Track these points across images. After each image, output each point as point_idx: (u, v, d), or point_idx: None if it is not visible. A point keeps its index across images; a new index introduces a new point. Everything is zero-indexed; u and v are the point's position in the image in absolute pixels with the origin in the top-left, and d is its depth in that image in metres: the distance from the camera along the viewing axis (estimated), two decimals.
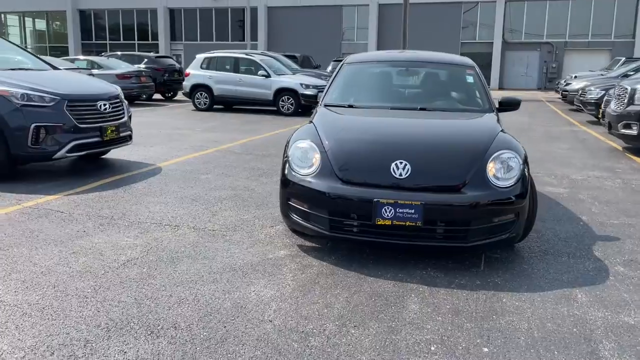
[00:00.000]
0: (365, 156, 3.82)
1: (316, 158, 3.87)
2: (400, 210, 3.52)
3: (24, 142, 5.75)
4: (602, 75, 17.61)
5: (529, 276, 3.63)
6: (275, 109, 15.12)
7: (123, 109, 6.80)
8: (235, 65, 15.68)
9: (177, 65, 20.28)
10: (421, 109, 4.62)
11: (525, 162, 3.90)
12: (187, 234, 4.31)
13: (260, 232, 4.40)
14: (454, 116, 4.55)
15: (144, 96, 18.53)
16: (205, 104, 15.70)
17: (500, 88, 33.76)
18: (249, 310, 3.01)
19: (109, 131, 6.41)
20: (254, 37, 36.94)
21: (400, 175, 3.64)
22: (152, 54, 21.29)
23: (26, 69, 6.73)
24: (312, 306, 3.09)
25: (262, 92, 14.94)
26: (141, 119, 13.17)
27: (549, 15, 33.19)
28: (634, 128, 8.33)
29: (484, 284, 3.48)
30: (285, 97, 14.70)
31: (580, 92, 14.77)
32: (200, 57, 16.11)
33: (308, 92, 5.19)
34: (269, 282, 3.40)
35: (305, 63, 22.69)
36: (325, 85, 5.23)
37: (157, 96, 20.63)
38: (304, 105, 13.76)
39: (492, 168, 3.71)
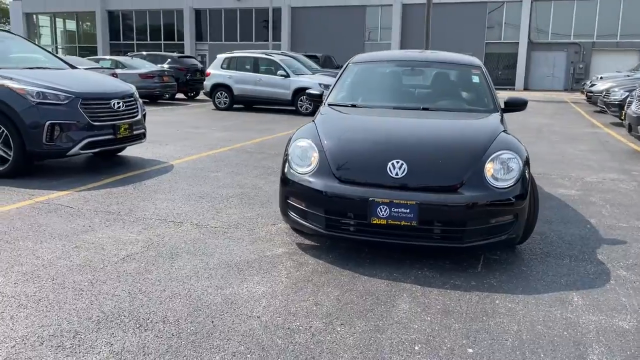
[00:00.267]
0: (363, 155, 3.82)
1: (314, 157, 3.89)
2: (395, 210, 3.51)
3: (39, 139, 5.89)
4: (628, 76, 17.23)
5: (526, 278, 3.59)
6: (294, 108, 15.18)
7: (137, 107, 6.92)
8: (255, 65, 15.79)
9: (200, 65, 20.52)
10: (424, 109, 4.59)
11: (527, 163, 3.85)
12: (189, 231, 4.37)
13: (262, 230, 4.44)
14: (456, 116, 4.52)
15: (167, 95, 18.79)
16: (225, 103, 15.85)
17: (525, 89, 33.29)
18: (239, 306, 3.04)
19: (122, 129, 6.53)
20: (278, 37, 37.12)
21: (397, 174, 3.63)
22: (175, 54, 21.57)
23: (44, 68, 6.89)
24: (301, 303, 3.10)
25: (281, 92, 15.01)
26: (161, 117, 13.38)
27: (577, 15, 32.59)
28: None
29: (479, 285, 3.45)
30: (304, 96, 14.74)
31: (604, 93, 14.48)
32: (221, 57, 16.27)
33: (313, 91, 5.20)
34: (263, 279, 3.43)
35: (327, 63, 22.74)
36: None
37: (180, 95, 20.93)
38: None
39: (490, 168, 3.68)
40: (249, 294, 3.21)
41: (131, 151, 7.89)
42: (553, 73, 33.89)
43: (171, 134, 10.25)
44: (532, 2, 32.77)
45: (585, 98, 20.34)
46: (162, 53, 21.69)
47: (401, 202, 3.50)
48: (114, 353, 2.53)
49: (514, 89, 33.15)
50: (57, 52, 43.42)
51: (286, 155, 4.09)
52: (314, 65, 17.79)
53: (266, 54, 16.27)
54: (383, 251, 3.96)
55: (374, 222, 3.56)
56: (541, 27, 33.48)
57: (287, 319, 2.91)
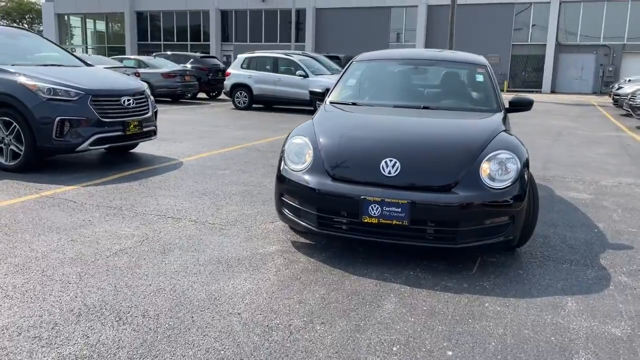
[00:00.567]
0: (356, 153, 3.77)
1: (309, 154, 3.86)
2: (387, 209, 3.46)
3: (49, 134, 5.99)
4: None
5: (521, 282, 3.49)
6: (312, 108, 15.15)
7: (147, 104, 6.98)
8: (275, 65, 15.83)
9: (222, 65, 20.66)
10: (425, 108, 4.52)
11: (526, 164, 3.75)
12: (187, 227, 4.37)
13: (258, 228, 4.42)
14: (456, 115, 4.42)
15: (189, 95, 18.96)
16: (244, 103, 15.93)
17: (553, 92, 32.69)
18: (221, 303, 3.02)
19: (132, 126, 6.59)
20: (302, 38, 37.19)
21: (390, 173, 3.57)
22: (197, 54, 21.77)
23: (58, 65, 7.00)
24: (285, 301, 3.07)
25: (300, 92, 15.01)
26: (180, 116, 13.51)
27: (607, 17, 31.86)
28: None
29: (471, 287, 3.37)
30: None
31: (630, 96, 14.11)
32: (241, 57, 16.36)
33: (316, 89, 5.17)
34: (250, 276, 3.41)
35: None
36: None
37: (202, 95, 21.11)
38: None
39: (486, 168, 3.59)
40: (234, 290, 3.19)
41: (144, 148, 7.97)
42: (581, 76, 33.19)
43: (187, 132, 10.33)
44: (560, 3, 32.16)
45: (612, 101, 19.86)
46: (185, 53, 21.92)
47: (393, 201, 3.44)
48: (89, 345, 2.53)
49: (540, 92, 32.59)
50: (87, 52, 44.34)
51: (282, 152, 4.06)
52: (334, 66, 17.75)
53: (286, 54, 16.30)
54: (378, 251, 3.91)
55: (366, 220, 3.51)
56: (570, 28, 32.83)
57: (268, 316, 2.88)
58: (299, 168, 3.84)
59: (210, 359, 2.46)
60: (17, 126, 6.04)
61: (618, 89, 18.10)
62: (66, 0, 44.36)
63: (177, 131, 10.33)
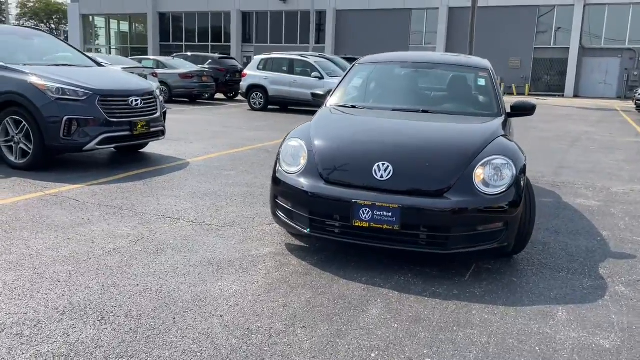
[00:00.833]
0: (349, 157, 3.74)
1: (304, 157, 3.85)
2: (377, 213, 3.42)
3: (57, 133, 6.07)
4: None
5: (513, 289, 3.42)
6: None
7: (156, 105, 7.04)
8: (291, 67, 15.86)
9: (239, 66, 20.77)
10: (424, 111, 4.47)
11: (523, 170, 3.68)
12: (183, 227, 4.39)
13: (255, 229, 4.42)
14: (455, 119, 4.36)
15: (206, 95, 19.11)
16: (260, 104, 15.99)
17: (575, 96, 32.16)
18: (205, 304, 3.02)
19: (139, 126, 6.65)
20: (322, 40, 37.22)
21: (382, 177, 3.54)
22: (216, 55, 21.92)
23: (69, 65, 7.10)
24: (269, 304, 3.06)
25: None
26: (195, 116, 13.61)
27: (632, 20, 31.22)
28: None
29: (461, 294, 3.31)
30: None
31: None
32: (258, 58, 16.43)
33: (318, 91, 5.15)
34: (239, 278, 3.41)
35: None
36: None
37: (219, 96, 21.27)
38: None
39: (480, 174, 3.53)
40: (220, 292, 3.19)
41: (154, 148, 8.04)
42: (605, 80, 32.58)
43: (199, 132, 10.40)
44: (584, 6, 31.64)
45: (635, 106, 19.46)
46: (204, 54, 22.08)
47: (384, 205, 3.41)
48: (68, 344, 2.55)
49: (563, 96, 32.10)
50: (110, 52, 45.01)
51: (278, 154, 4.06)
52: None
53: (302, 55, 16.32)
54: (372, 255, 3.87)
55: (357, 224, 3.48)
56: (594, 31, 32.27)
57: (250, 319, 2.87)
58: (294, 170, 3.83)
59: None
60: (27, 125, 6.14)
61: None
62: (91, 1, 45.08)
63: (189, 131, 10.41)
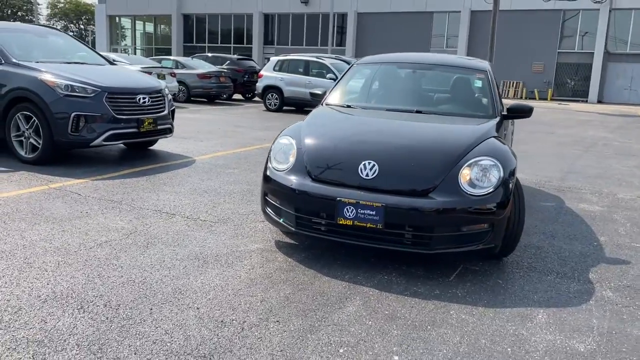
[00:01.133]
0: (336, 155, 3.76)
1: (293, 154, 3.88)
2: (361, 211, 3.43)
3: (65, 129, 6.21)
4: None
5: (497, 291, 3.40)
6: None
7: (164, 103, 7.15)
8: (306, 68, 15.93)
9: (257, 67, 20.90)
10: (418, 112, 4.46)
11: (512, 172, 3.65)
12: (177, 222, 4.46)
13: (247, 226, 4.46)
14: (447, 120, 4.34)
15: (224, 95, 19.29)
16: (275, 104, 16.08)
17: (599, 102, 31.60)
18: (184, 297, 3.07)
19: (146, 123, 6.76)
20: (342, 42, 37.24)
21: (367, 175, 3.55)
22: (234, 56, 22.11)
23: (81, 63, 7.25)
24: (248, 298, 3.09)
25: None
26: (210, 116, 13.75)
27: None
28: None
29: (442, 294, 3.30)
30: None
31: None
32: (274, 59, 16.54)
33: (316, 91, 5.18)
34: (222, 273, 3.45)
35: None
36: None
37: (237, 96, 21.45)
38: None
39: (467, 174, 3.52)
40: (201, 286, 3.23)
41: (163, 145, 8.15)
42: (631, 86, 31.93)
43: (211, 131, 10.51)
44: (610, 11, 31.07)
45: None
46: (223, 55, 22.28)
47: (367, 203, 3.42)
48: (44, 330, 2.62)
49: (586, 102, 31.56)
50: (135, 53, 45.70)
51: (269, 152, 4.10)
52: None
53: (317, 57, 16.37)
54: (359, 254, 3.88)
55: (341, 222, 3.49)
56: (620, 36, 31.67)
57: (225, 312, 2.91)
58: (283, 168, 3.87)
59: (155, 350, 2.51)
60: (36, 120, 6.29)
61: None
62: (117, 2, 45.81)
63: (201, 130, 10.52)
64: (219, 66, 19.38)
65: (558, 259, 4.05)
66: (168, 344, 2.56)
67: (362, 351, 2.59)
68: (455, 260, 3.87)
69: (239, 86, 19.77)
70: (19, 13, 66.86)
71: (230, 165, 7.05)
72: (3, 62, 6.57)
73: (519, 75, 33.45)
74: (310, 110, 4.82)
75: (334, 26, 34.34)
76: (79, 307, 2.88)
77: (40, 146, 6.34)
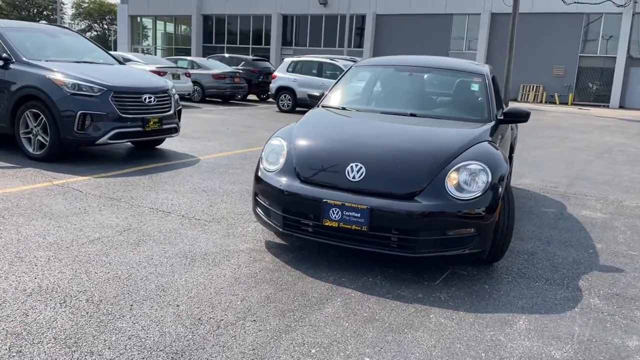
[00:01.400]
0: (325, 157, 3.77)
1: (283, 155, 3.90)
2: (347, 213, 3.44)
3: (71, 127, 6.32)
4: None
5: (481, 296, 3.38)
6: None
7: (170, 103, 7.23)
8: (319, 70, 15.97)
9: (272, 68, 20.99)
10: (412, 115, 4.45)
11: (501, 177, 3.62)
12: (172, 221, 4.51)
13: (241, 226, 4.50)
14: (440, 124, 4.32)
15: (239, 96, 19.40)
16: (288, 105, 16.14)
17: (621, 107, 31.07)
18: (166, 294, 3.11)
19: (151, 122, 6.85)
20: (360, 44, 37.21)
21: (354, 178, 3.56)
22: (249, 57, 22.24)
23: (90, 62, 7.38)
24: (229, 297, 3.12)
25: None
26: (222, 116, 13.85)
27: None
28: None
29: (424, 298, 3.30)
30: None
31: None
32: (288, 60, 16.61)
33: (314, 92, 5.20)
34: (207, 271, 3.48)
35: None
36: None
37: (252, 97, 21.55)
38: None
39: (454, 178, 3.51)
40: (185, 284, 3.27)
41: (171, 145, 8.23)
42: None
43: (220, 131, 10.59)
44: (633, 15, 30.53)
45: None
46: (238, 55, 22.43)
47: (352, 205, 3.43)
48: (24, 324, 2.68)
49: (608, 107, 31.05)
50: (155, 53, 46.22)
51: (261, 152, 4.13)
52: None
53: (331, 59, 16.40)
54: (348, 256, 3.89)
55: (327, 224, 3.51)
56: None
57: (204, 310, 2.94)
58: (273, 169, 3.89)
59: (129, 346, 2.55)
60: (44, 118, 6.41)
61: None
62: (139, 3, 46.38)
63: (211, 130, 10.61)
64: (234, 67, 19.50)
65: (550, 266, 4.01)
66: (143, 340, 2.60)
67: (334, 352, 2.60)
68: (444, 265, 3.86)
69: (254, 87, 19.88)
70: (45, 12, 68.05)
71: (234, 165, 7.10)
72: (14, 60, 6.71)
73: (539, 79, 33.06)
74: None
75: (350, 28, 34.35)
76: (61, 301, 2.94)
77: (47, 143, 6.46)
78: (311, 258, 3.84)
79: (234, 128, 11.29)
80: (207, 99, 18.09)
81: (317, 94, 5.14)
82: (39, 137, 6.52)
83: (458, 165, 3.55)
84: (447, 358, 2.61)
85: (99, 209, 4.72)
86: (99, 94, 6.43)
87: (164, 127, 7.09)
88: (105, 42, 68.60)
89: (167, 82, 7.45)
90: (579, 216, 5.52)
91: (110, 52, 8.47)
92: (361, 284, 3.44)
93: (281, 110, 16.30)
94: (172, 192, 5.44)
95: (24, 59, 6.72)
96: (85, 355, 2.44)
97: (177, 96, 7.57)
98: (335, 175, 3.62)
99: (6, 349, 2.45)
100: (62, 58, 7.24)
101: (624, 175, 8.26)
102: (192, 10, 44.03)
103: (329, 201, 3.48)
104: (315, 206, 3.53)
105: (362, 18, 37.36)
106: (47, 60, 6.82)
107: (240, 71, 19.07)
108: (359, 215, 3.42)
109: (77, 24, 73.52)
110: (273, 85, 16.50)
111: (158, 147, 8.06)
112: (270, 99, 20.94)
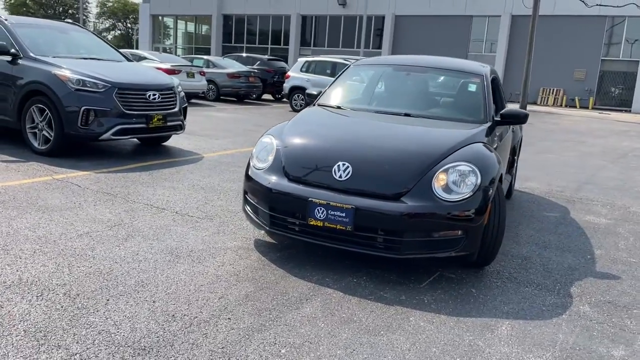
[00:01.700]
0: (312, 155, 3.73)
1: (272, 154, 3.87)
2: (332, 213, 3.40)
3: (75, 122, 6.37)
4: None
5: (466, 300, 3.31)
6: None
7: (175, 100, 7.26)
8: (333, 70, 15.93)
9: (287, 68, 21.00)
10: (406, 115, 4.38)
11: (492, 179, 3.54)
12: (164, 217, 4.51)
13: (232, 224, 4.47)
14: (433, 124, 4.24)
15: (253, 95, 19.46)
16: (301, 105, 16.11)
17: None
18: (144, 290, 3.09)
19: (155, 119, 6.88)
20: (379, 45, 37.07)
21: (340, 177, 3.51)
22: (265, 56, 22.29)
23: (97, 59, 7.44)
24: (207, 295, 3.10)
25: None
26: (234, 115, 13.90)
27: None
28: None
29: (407, 300, 3.24)
30: None
31: None
32: (301, 60, 16.61)
33: (311, 91, 5.16)
34: (190, 268, 3.46)
35: None
36: None
37: (267, 97, 21.60)
38: None
39: (442, 179, 3.44)
40: (165, 280, 3.26)
41: (177, 142, 8.26)
42: None
43: (229, 129, 10.61)
44: None
45: None
46: (254, 55, 22.50)
47: (338, 205, 3.38)
48: None
49: (630, 111, 30.47)
50: (176, 52, 46.64)
51: (252, 150, 4.10)
52: None
53: (344, 59, 16.35)
54: (336, 256, 3.84)
55: (312, 223, 3.47)
56: None
57: (179, 307, 2.92)
58: (262, 167, 3.87)
59: (97, 340, 2.53)
60: (49, 113, 6.47)
61: None
62: (161, 2, 46.83)
63: (220, 128, 10.64)
64: (249, 66, 19.56)
65: (543, 271, 3.91)
66: (112, 335, 2.59)
67: (305, 353, 2.56)
68: (432, 267, 3.79)
69: (269, 86, 19.92)
70: (70, 11, 69.10)
71: (237, 163, 7.09)
72: (22, 56, 6.79)
73: (560, 82, 32.55)
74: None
75: (368, 28, 34.22)
76: (39, 294, 2.94)
77: (52, 138, 6.52)
78: (298, 257, 3.80)
79: (244, 127, 11.30)
80: (221, 97, 18.17)
81: (315, 93, 5.10)
82: (44, 132, 6.58)
83: (447, 166, 3.48)
84: None
85: (94, 203, 4.74)
86: (103, 90, 6.48)
87: (169, 124, 7.11)
88: (128, 41, 69.50)
89: (172, 80, 7.48)
90: (581, 221, 5.39)
91: (120, 49, 8.53)
92: (344, 285, 3.39)
93: (294, 110, 16.30)
94: (169, 189, 5.45)
95: (32, 54, 6.79)
96: (52, 349, 2.43)
97: (182, 94, 7.59)
98: (322, 174, 3.58)
99: None
100: (71, 54, 7.31)
101: (636, 180, 8.07)
102: (212, 10, 44.32)
103: (314, 200, 3.44)
104: (301, 205, 3.49)
105: (381, 19, 37.22)
106: (54, 57, 6.88)
107: (255, 70, 19.12)
108: (343, 214, 3.37)
109: (102, 23, 74.60)
110: (286, 85, 16.52)
111: (164, 144, 8.09)
112: (285, 99, 21.00)
